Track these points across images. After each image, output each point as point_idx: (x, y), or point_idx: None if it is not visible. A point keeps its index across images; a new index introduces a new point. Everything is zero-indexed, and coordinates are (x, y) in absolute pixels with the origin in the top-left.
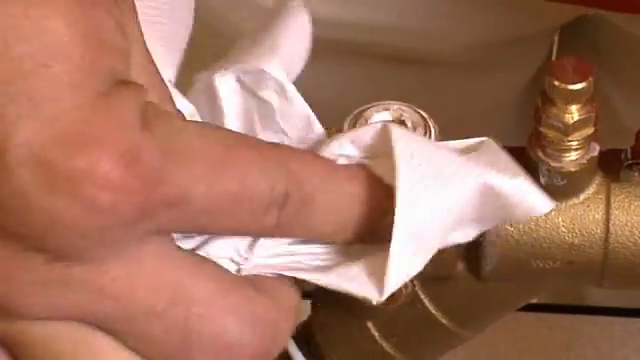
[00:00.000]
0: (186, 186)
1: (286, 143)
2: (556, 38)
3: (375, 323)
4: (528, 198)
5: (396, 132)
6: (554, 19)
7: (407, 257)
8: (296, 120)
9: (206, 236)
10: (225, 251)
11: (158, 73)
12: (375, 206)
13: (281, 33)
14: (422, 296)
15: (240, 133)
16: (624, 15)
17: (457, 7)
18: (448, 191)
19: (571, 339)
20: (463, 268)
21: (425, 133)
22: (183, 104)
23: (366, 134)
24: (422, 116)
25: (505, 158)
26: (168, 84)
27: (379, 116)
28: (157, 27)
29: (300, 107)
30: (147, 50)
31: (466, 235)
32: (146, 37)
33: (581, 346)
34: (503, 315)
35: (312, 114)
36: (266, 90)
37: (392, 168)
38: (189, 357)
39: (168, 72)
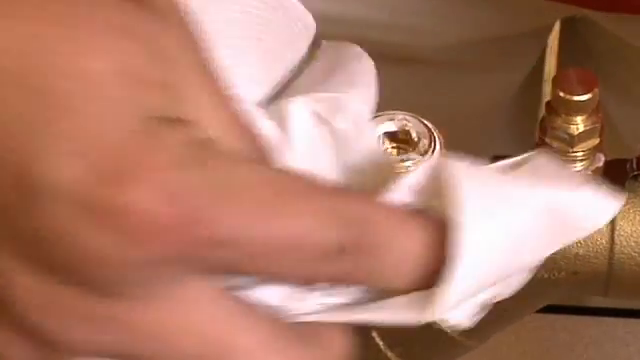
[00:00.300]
0: (234, 227)
1: (352, 176)
2: (549, 39)
3: (380, 332)
4: (595, 206)
5: (451, 167)
6: (546, 18)
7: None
8: (366, 153)
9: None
10: (271, 296)
11: (226, 103)
12: (441, 254)
13: (354, 72)
14: None
15: (297, 174)
16: (613, 18)
17: (449, 5)
18: (516, 216)
19: (574, 340)
20: None
21: (430, 144)
22: (265, 125)
23: (420, 176)
24: (427, 127)
25: (562, 170)
26: (251, 106)
27: (383, 127)
28: (253, 43)
29: (371, 141)
30: (212, 80)
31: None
32: (232, 56)
33: (584, 347)
34: (508, 325)
35: (382, 151)
36: (342, 120)
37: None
38: None
39: (258, 90)
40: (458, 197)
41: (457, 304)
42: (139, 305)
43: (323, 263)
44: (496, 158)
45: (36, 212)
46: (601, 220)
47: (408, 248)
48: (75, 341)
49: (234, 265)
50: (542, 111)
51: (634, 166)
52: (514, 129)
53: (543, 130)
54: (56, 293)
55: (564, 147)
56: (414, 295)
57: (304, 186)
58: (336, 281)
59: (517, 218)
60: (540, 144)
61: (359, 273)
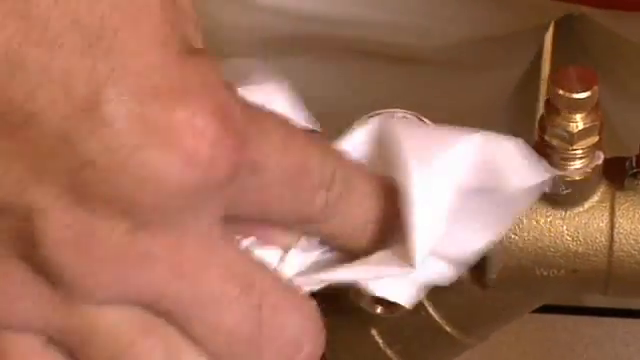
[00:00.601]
0: (265, 153)
1: None
2: (547, 37)
3: (379, 330)
4: (526, 161)
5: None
6: (543, 16)
7: (428, 225)
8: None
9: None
10: (271, 257)
11: None
12: (392, 209)
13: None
14: (426, 304)
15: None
16: (609, 15)
17: (447, 4)
18: (454, 153)
19: (574, 340)
20: (467, 276)
21: None
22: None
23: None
24: (427, 125)
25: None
26: None
27: None
28: None
29: None
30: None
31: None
32: None
33: (584, 347)
34: (507, 323)
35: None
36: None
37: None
38: (259, 349)
39: None
40: (405, 159)
41: (426, 254)
42: (177, 240)
43: (320, 193)
44: None
45: (98, 135)
46: (531, 180)
47: (363, 196)
48: (99, 284)
49: (257, 194)
50: (540, 108)
51: (633, 164)
52: (512, 126)
53: (542, 128)
54: (91, 228)
55: (563, 145)
56: (394, 249)
57: (305, 133)
58: (323, 216)
59: (455, 152)
60: (539, 142)
61: (338, 207)
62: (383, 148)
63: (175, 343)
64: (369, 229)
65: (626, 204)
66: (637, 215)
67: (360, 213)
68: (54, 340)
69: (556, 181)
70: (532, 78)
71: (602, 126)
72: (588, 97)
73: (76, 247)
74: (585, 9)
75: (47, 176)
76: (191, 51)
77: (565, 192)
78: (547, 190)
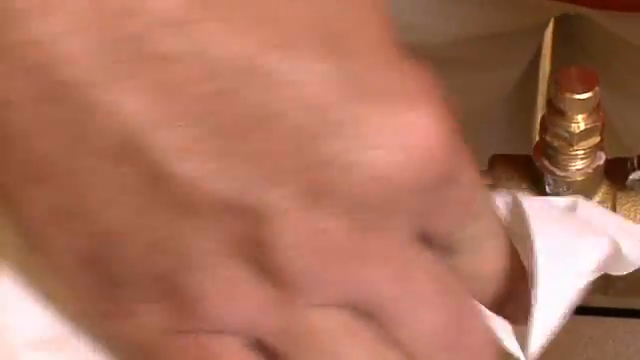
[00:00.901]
0: (464, 165)
1: None
2: (546, 36)
3: None
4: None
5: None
6: (542, 15)
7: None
8: None
9: None
10: None
11: None
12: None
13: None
14: None
15: None
16: (607, 15)
17: (446, 3)
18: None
19: (574, 340)
20: None
21: None
22: None
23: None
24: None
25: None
26: None
27: None
28: None
29: None
30: None
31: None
32: None
33: (584, 347)
34: None
35: None
36: None
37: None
38: (455, 355)
39: None
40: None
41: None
42: (397, 242)
43: (472, 222)
44: (495, 157)
45: (334, 135)
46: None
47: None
48: (326, 284)
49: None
50: (539, 107)
51: (635, 164)
52: (511, 125)
53: (544, 129)
54: (323, 228)
55: (565, 146)
56: (515, 329)
57: None
58: (466, 248)
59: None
60: (541, 142)
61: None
62: (512, 220)
63: (379, 345)
64: (497, 282)
65: (627, 204)
66: (639, 216)
67: (494, 261)
68: (258, 343)
69: (557, 182)
70: (531, 77)
71: (603, 127)
72: (590, 98)
73: (309, 248)
74: (581, 9)
75: (282, 178)
76: (402, 54)
77: (566, 193)
78: (549, 191)
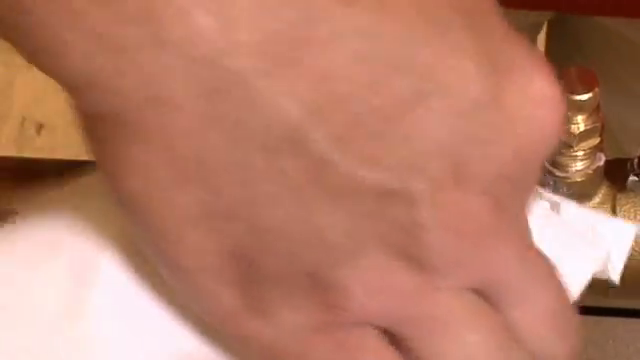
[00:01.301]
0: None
1: None
2: (540, 36)
3: None
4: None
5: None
6: (539, 14)
7: None
8: None
9: None
10: None
11: None
12: None
13: None
14: None
15: None
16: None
17: None
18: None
19: None
20: None
21: None
22: None
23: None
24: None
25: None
26: None
27: None
28: None
29: None
30: None
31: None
32: None
33: (584, 347)
34: None
35: None
36: None
37: None
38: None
39: None
40: None
41: None
42: (524, 220)
43: None
44: None
45: (484, 114)
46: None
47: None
48: (466, 265)
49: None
50: None
51: (634, 165)
52: None
53: None
54: (465, 208)
55: (565, 146)
56: None
57: None
58: None
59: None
60: None
61: None
62: None
63: (505, 330)
64: None
65: (627, 205)
66: (638, 216)
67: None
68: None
69: (557, 182)
70: None
71: (603, 127)
72: (589, 98)
73: (454, 229)
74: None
75: (426, 160)
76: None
77: (566, 193)
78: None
